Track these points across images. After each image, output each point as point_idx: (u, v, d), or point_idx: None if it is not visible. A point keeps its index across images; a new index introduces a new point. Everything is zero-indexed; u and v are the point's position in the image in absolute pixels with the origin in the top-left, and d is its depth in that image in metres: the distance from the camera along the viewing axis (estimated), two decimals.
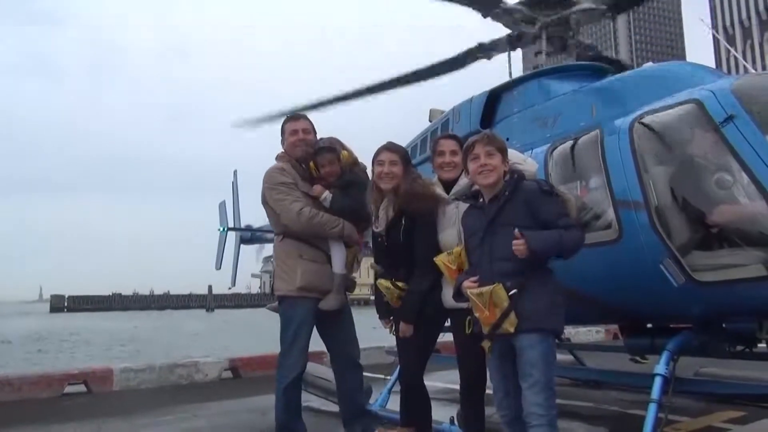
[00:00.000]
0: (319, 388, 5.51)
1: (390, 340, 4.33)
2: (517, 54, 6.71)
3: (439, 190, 3.72)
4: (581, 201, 4.19)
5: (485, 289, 3.02)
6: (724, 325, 4.01)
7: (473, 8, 6.13)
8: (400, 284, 3.68)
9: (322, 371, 5.48)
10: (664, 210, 3.78)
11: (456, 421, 4.08)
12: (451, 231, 3.58)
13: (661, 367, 3.73)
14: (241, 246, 21.33)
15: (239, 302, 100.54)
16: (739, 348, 4.19)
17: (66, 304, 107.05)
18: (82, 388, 7.08)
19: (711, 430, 4.69)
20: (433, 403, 3.82)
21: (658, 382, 3.68)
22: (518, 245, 2.96)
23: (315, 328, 4.18)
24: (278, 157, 4.36)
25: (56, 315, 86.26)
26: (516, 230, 2.97)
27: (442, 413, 4.15)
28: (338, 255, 4.17)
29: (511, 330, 2.98)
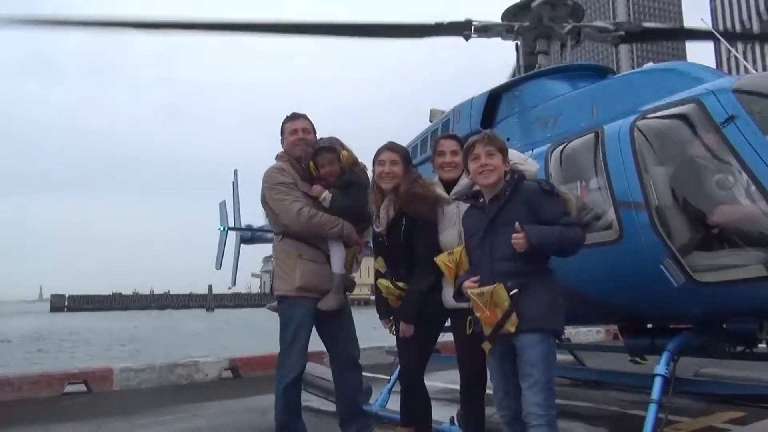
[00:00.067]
0: (319, 387, 5.52)
1: (390, 340, 4.33)
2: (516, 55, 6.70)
3: (440, 190, 3.71)
4: (582, 201, 4.18)
5: (486, 289, 3.02)
6: (724, 326, 4.02)
7: None
8: (400, 284, 3.67)
9: (321, 371, 5.48)
10: (664, 210, 3.77)
11: (456, 421, 4.09)
12: (451, 231, 3.58)
13: (661, 368, 3.72)
14: (242, 246, 21.38)
15: (239, 302, 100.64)
16: (740, 348, 4.20)
17: (66, 304, 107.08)
18: (82, 387, 7.09)
19: (711, 431, 4.68)
20: (433, 403, 3.80)
21: (658, 383, 3.68)
22: (518, 238, 2.95)
23: (315, 328, 4.17)
24: (278, 157, 4.35)
25: (56, 314, 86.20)
26: (517, 223, 2.97)
27: (442, 413, 4.15)
28: (337, 255, 4.16)
29: (512, 330, 2.99)
